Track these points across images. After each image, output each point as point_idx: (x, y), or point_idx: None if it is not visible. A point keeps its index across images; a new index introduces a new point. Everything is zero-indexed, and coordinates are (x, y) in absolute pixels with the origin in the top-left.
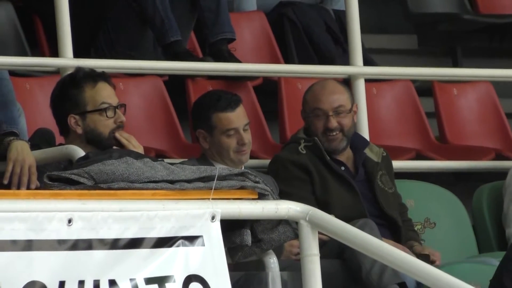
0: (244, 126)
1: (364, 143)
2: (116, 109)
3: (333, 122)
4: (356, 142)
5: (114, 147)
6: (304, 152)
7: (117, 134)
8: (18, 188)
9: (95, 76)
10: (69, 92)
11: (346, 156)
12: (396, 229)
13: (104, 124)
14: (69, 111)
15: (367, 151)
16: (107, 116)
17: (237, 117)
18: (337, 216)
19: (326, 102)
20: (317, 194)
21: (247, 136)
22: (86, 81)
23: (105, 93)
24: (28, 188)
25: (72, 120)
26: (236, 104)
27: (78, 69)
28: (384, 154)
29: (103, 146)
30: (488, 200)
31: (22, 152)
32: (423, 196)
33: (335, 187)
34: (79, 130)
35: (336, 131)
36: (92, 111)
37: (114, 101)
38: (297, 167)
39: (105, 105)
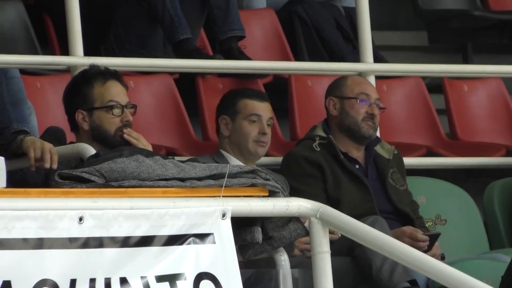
0: (267, 120)
1: (375, 140)
2: (125, 108)
3: (376, 110)
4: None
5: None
6: (319, 149)
7: (125, 134)
8: (43, 167)
9: (106, 74)
10: (79, 88)
11: (361, 154)
12: (410, 223)
13: (110, 122)
14: (78, 107)
15: (378, 148)
16: (113, 114)
17: (263, 108)
18: (348, 214)
19: (372, 90)
20: (329, 192)
21: (269, 131)
22: (97, 78)
23: (114, 91)
24: (51, 168)
25: (79, 115)
26: (264, 97)
27: (92, 66)
28: (396, 152)
29: (108, 143)
30: (499, 196)
31: (39, 140)
32: (434, 192)
33: (347, 185)
34: (86, 126)
35: (375, 119)
36: (99, 107)
37: (123, 100)
38: (310, 164)
39: (112, 103)
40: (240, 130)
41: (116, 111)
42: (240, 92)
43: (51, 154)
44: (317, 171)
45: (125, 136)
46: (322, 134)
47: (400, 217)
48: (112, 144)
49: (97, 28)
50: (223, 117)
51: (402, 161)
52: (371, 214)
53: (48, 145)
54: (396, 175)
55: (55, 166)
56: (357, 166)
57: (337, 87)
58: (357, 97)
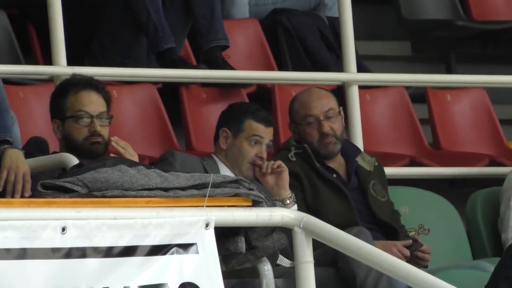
0: (267, 143)
1: (356, 151)
2: (94, 118)
3: (326, 127)
4: (348, 150)
5: (112, 155)
6: (294, 159)
7: (113, 142)
8: (12, 196)
9: (82, 84)
10: (56, 98)
11: (338, 163)
12: (391, 233)
13: (78, 132)
14: (54, 117)
15: (358, 159)
16: (79, 124)
17: (266, 133)
18: (328, 223)
19: (317, 107)
20: (308, 201)
21: (265, 155)
22: (72, 88)
23: (85, 101)
24: (22, 196)
25: (55, 125)
26: (270, 122)
27: (73, 76)
28: (376, 164)
29: (78, 152)
30: (482, 206)
31: (17, 160)
32: (417, 202)
33: (326, 194)
34: (59, 135)
35: (330, 135)
36: (69, 117)
37: (93, 110)
38: None
39: (81, 113)
40: (239, 149)
41: (84, 120)
42: (249, 112)
43: (24, 182)
44: (294, 180)
45: (113, 144)
46: (296, 143)
47: (381, 227)
48: (82, 154)
49: (81, 37)
50: (224, 130)
51: (383, 172)
52: (352, 222)
53: (22, 170)
54: (378, 186)
55: (27, 194)
56: (334, 175)
57: (290, 112)
58: (304, 120)
